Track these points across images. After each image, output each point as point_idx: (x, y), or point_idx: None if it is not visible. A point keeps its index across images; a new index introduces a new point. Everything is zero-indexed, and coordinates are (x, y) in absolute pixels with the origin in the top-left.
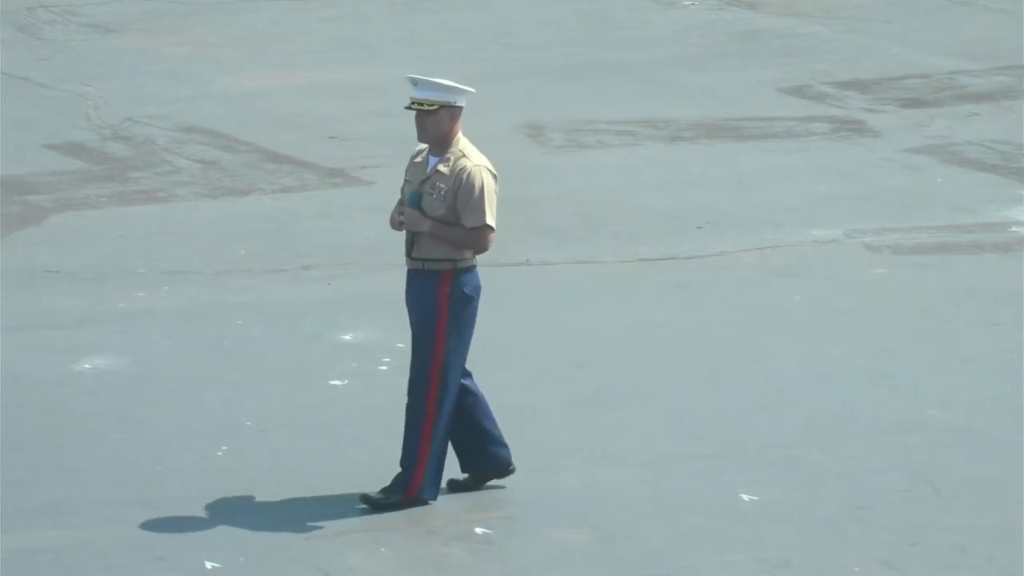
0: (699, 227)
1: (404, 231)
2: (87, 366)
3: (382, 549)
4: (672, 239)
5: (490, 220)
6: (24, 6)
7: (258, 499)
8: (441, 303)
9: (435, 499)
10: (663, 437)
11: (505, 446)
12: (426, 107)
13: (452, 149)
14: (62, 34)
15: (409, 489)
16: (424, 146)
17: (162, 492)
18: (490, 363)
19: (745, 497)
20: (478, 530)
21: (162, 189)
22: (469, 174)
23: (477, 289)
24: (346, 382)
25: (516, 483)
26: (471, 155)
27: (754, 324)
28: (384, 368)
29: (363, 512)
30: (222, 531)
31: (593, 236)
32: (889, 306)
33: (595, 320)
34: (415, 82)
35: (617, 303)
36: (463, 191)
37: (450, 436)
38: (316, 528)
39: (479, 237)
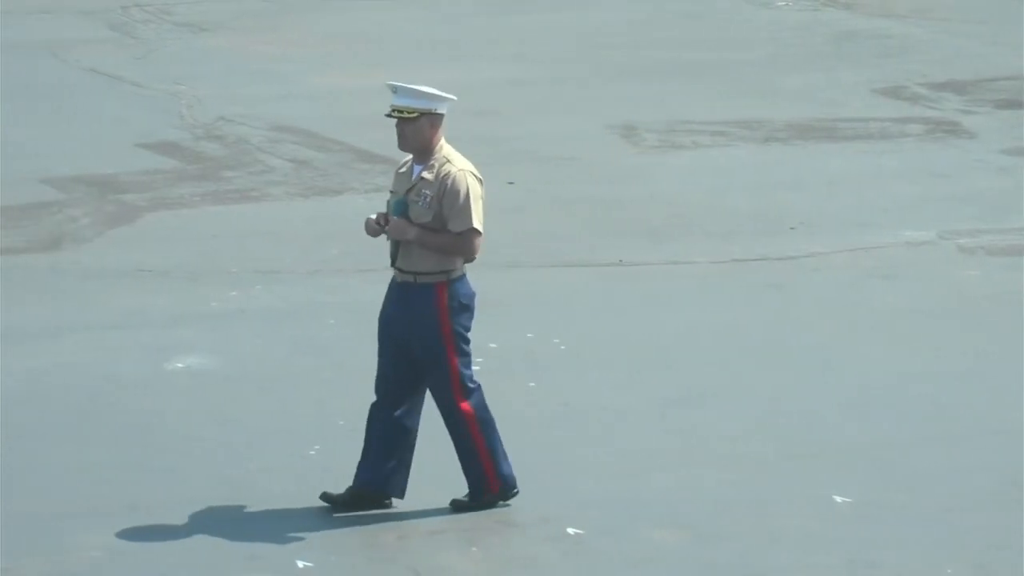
0: (792, 228)
1: (389, 241)
2: (180, 365)
3: (473, 549)
4: (764, 240)
5: (477, 224)
6: (119, 5)
7: None
8: (442, 318)
9: (516, 488)
10: (755, 438)
11: (403, 484)
12: (406, 115)
13: (435, 156)
14: (156, 33)
15: (490, 487)
16: (409, 157)
17: (255, 491)
18: (584, 363)
19: (837, 499)
20: (570, 530)
21: (255, 188)
22: (454, 179)
23: (471, 297)
24: None
25: (608, 483)
26: (455, 160)
27: (846, 325)
28: (477, 368)
29: (455, 511)
30: (314, 530)
31: (686, 237)
32: (982, 308)
33: (687, 321)
34: (395, 89)
35: (709, 304)
36: (448, 196)
37: (369, 455)
38: (408, 527)
39: (466, 242)
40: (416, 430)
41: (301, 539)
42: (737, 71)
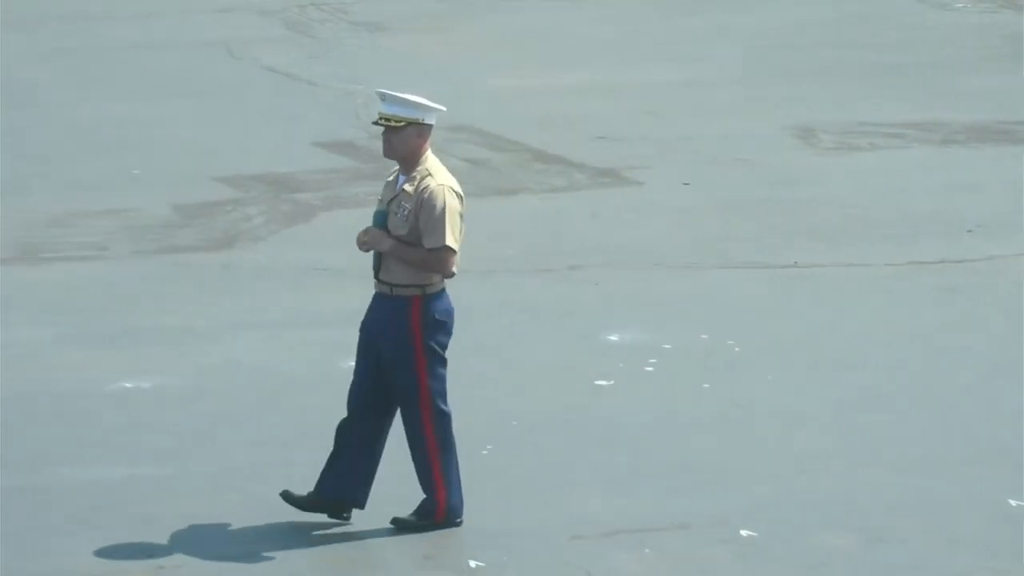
0: (969, 231)
1: (371, 252)
2: (353, 364)
3: (646, 550)
4: (942, 243)
5: (451, 241)
6: (296, 4)
7: (523, 498)
8: (414, 331)
9: (460, 519)
10: (929, 441)
11: (366, 495)
12: (393, 123)
13: (419, 168)
14: (332, 33)
15: (436, 515)
16: (397, 166)
17: None
18: (758, 365)
19: (1013, 503)
20: (743, 532)
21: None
22: (432, 193)
23: (448, 314)
24: (612, 382)
25: (781, 485)
26: (436, 174)
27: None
28: (650, 369)
29: (629, 512)
30: (486, 530)
31: (862, 239)
32: None
33: (862, 323)
34: (383, 97)
35: (885, 306)
36: (424, 211)
37: (336, 465)
38: (580, 528)
39: (439, 259)
40: (384, 443)
41: (474, 539)
42: (915, 73)
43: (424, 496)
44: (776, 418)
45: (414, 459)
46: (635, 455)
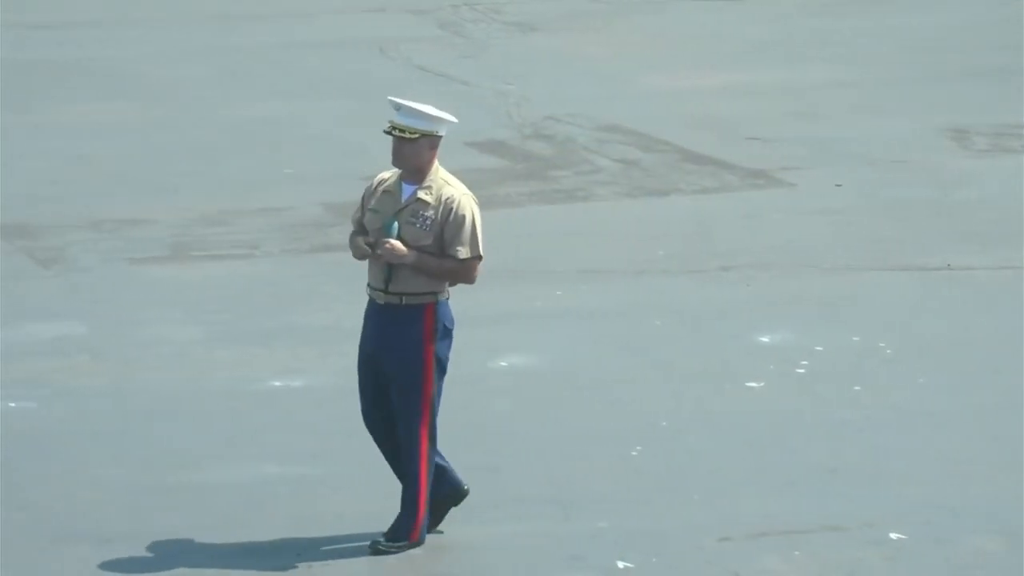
0: None
1: (378, 263)
2: (504, 364)
3: (796, 553)
4: None
5: (482, 251)
6: (449, 4)
7: (672, 499)
8: (426, 340)
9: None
10: None
11: (457, 479)
12: (407, 135)
13: (432, 177)
14: (485, 32)
15: (412, 533)
16: (387, 175)
17: (576, 491)
18: (909, 367)
19: None
20: (892, 535)
21: (582, 188)
22: (458, 203)
23: (454, 322)
24: (762, 384)
25: (931, 488)
26: (454, 184)
27: None
28: (801, 371)
29: (778, 513)
30: (635, 531)
31: (1016, 241)
32: None
33: (1015, 325)
34: (398, 107)
35: None
36: (453, 221)
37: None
38: (729, 529)
39: (468, 268)
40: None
41: (622, 539)
42: None
43: (399, 515)
44: (927, 421)
45: (405, 476)
46: (785, 457)
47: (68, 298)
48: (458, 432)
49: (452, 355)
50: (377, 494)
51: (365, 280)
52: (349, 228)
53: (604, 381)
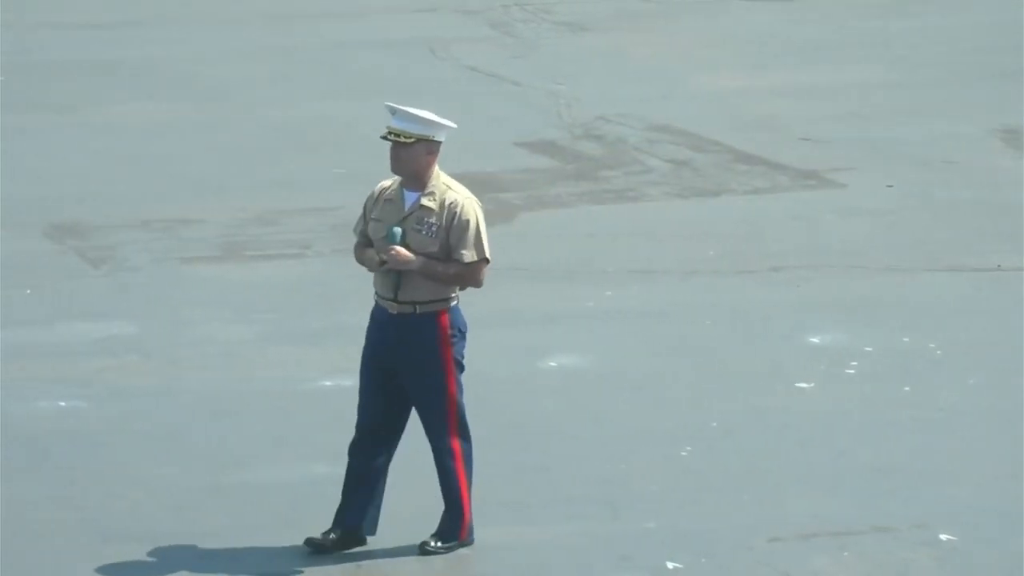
0: None
1: (381, 272)
2: (553, 364)
3: (845, 553)
4: None
5: (488, 254)
6: (499, 4)
7: (721, 500)
8: (444, 347)
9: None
10: None
11: (376, 520)
12: (403, 139)
13: (433, 183)
14: (535, 32)
15: (460, 532)
16: (388, 183)
17: (626, 491)
18: (959, 368)
19: None
20: (943, 537)
21: (632, 188)
22: (462, 208)
23: (466, 325)
24: (813, 385)
25: (982, 490)
26: (457, 188)
27: None
28: (852, 372)
29: (828, 514)
30: (685, 532)
31: None
32: None
33: None
34: (393, 112)
35: None
36: (458, 226)
37: (354, 497)
38: (779, 530)
39: (474, 272)
40: (388, 466)
41: (672, 540)
42: None
43: (444, 516)
44: (977, 422)
45: (442, 477)
46: (835, 457)
47: (118, 298)
48: (508, 432)
49: (502, 355)
50: (426, 494)
51: None
52: (353, 239)
53: (654, 381)
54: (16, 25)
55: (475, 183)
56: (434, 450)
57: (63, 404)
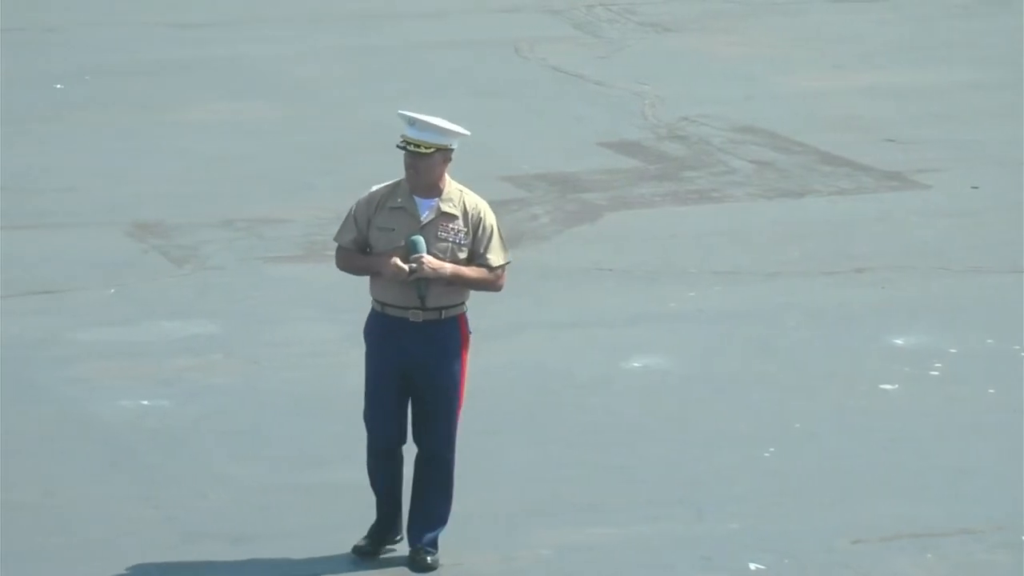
0: None
1: (398, 282)
2: (637, 364)
3: (928, 555)
4: None
5: (509, 256)
6: (583, 4)
7: (804, 501)
8: (463, 349)
9: None
10: None
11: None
12: (422, 150)
13: (448, 189)
14: (620, 33)
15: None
16: (382, 189)
17: (708, 492)
18: (1000, 370)
19: None
20: None
21: (716, 189)
22: (484, 211)
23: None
24: (897, 387)
25: None
26: (468, 191)
27: None
28: (936, 373)
29: (911, 516)
30: (767, 533)
31: None
32: None
33: None
34: (412, 122)
35: None
36: (483, 229)
37: (397, 504)
38: (862, 532)
39: (499, 276)
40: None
41: (754, 541)
42: None
43: (431, 524)
44: (1004, 424)
45: (438, 488)
46: (918, 459)
47: (201, 296)
48: (590, 433)
49: (584, 356)
50: (508, 494)
51: None
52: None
53: (737, 382)
54: (104, 25)
55: (559, 183)
56: (435, 458)
57: (146, 403)
